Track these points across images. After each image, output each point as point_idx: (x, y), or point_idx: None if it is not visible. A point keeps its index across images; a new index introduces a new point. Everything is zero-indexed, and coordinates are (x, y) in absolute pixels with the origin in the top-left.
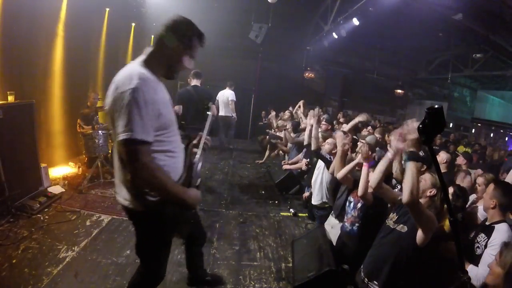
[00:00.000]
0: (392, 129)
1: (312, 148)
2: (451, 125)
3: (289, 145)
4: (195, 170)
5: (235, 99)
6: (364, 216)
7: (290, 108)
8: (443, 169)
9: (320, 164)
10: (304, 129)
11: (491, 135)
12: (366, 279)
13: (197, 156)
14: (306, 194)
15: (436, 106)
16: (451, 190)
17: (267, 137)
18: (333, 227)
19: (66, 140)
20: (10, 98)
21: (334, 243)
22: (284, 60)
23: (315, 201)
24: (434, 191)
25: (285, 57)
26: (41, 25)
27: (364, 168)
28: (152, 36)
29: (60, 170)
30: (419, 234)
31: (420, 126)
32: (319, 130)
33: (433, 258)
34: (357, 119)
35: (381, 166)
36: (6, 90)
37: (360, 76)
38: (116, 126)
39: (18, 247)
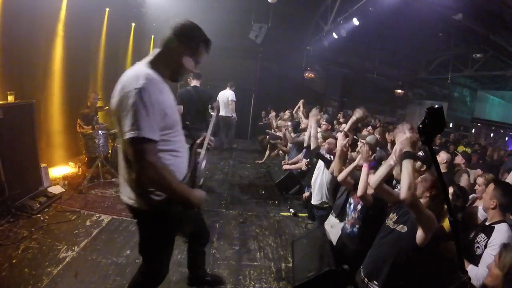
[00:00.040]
0: (392, 129)
1: (311, 147)
2: (451, 125)
3: (289, 145)
4: (199, 169)
5: (235, 99)
6: (364, 218)
7: (290, 109)
8: (443, 169)
9: (320, 164)
10: (304, 129)
11: (491, 135)
12: (366, 279)
13: (201, 156)
14: (306, 194)
15: (436, 106)
16: (451, 190)
17: (267, 137)
18: (333, 227)
19: (66, 140)
20: (10, 98)
21: (334, 243)
22: (284, 60)
23: (314, 201)
24: (434, 191)
25: (285, 57)
26: (41, 25)
27: (364, 169)
28: (152, 36)
29: (60, 170)
30: (419, 233)
31: (420, 126)
32: (319, 130)
33: (433, 258)
34: (354, 117)
35: (382, 170)
36: (6, 90)
37: (360, 76)
38: (123, 125)
39: (18, 247)
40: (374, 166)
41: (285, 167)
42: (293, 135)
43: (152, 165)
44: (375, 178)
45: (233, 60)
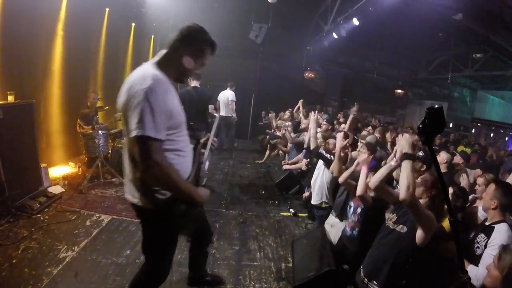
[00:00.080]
0: (392, 129)
1: (311, 147)
2: (451, 125)
3: (289, 145)
4: (202, 169)
5: (235, 100)
6: (364, 221)
7: (290, 108)
8: (443, 169)
9: (320, 164)
10: (304, 129)
11: (491, 135)
12: (366, 279)
13: (205, 156)
14: (306, 194)
15: (436, 106)
16: (451, 190)
17: (267, 137)
18: (333, 226)
19: (66, 140)
20: (10, 98)
21: (334, 242)
22: (284, 60)
23: (314, 201)
24: (434, 191)
25: (285, 57)
26: (41, 25)
27: (364, 170)
28: (152, 36)
29: (60, 170)
30: (419, 234)
31: (420, 126)
32: (319, 130)
33: (433, 258)
34: (351, 115)
35: (383, 170)
36: (6, 90)
37: (360, 76)
38: (129, 124)
39: (18, 247)
40: (375, 166)
41: (285, 167)
42: (293, 135)
43: (158, 164)
44: (375, 178)
45: (233, 60)
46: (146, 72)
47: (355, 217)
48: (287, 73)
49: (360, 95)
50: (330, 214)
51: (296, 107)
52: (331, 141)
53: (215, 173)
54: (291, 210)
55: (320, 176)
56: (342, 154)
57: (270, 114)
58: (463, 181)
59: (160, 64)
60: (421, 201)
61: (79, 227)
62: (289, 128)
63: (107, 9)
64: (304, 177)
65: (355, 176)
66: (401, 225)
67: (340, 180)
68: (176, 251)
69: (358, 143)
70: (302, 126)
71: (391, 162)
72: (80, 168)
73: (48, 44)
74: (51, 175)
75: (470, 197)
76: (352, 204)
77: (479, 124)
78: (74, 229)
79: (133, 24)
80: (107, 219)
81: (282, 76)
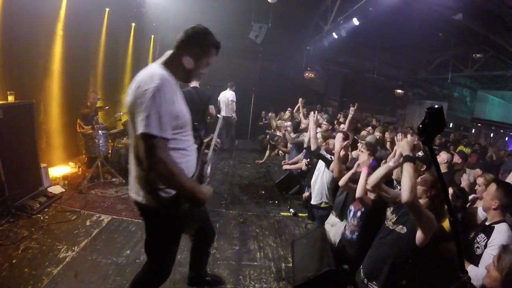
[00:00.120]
0: (392, 129)
1: (312, 148)
2: (451, 125)
3: (289, 145)
4: (206, 169)
5: (235, 100)
6: (363, 225)
7: (289, 109)
8: (443, 169)
9: (320, 165)
10: (304, 130)
11: (491, 135)
12: (365, 279)
13: (209, 156)
14: (306, 194)
15: (436, 106)
16: (450, 190)
17: (267, 136)
18: (333, 225)
19: (66, 140)
20: (10, 98)
21: (335, 241)
22: (284, 60)
23: (314, 201)
24: (434, 191)
25: (285, 57)
26: (41, 25)
27: (363, 172)
28: (152, 36)
29: (60, 170)
30: (419, 234)
31: (420, 126)
32: (319, 130)
33: (433, 258)
34: (350, 114)
35: (381, 170)
36: (6, 90)
37: (360, 76)
38: (136, 122)
39: (18, 247)
40: (375, 166)
41: (285, 167)
42: (292, 135)
43: (162, 161)
44: (373, 177)
45: (233, 60)
46: (154, 72)
47: (355, 221)
48: (287, 73)
49: (360, 95)
50: (331, 214)
51: (296, 107)
52: (331, 141)
53: (215, 173)
54: (291, 210)
55: (320, 176)
56: (341, 155)
57: (269, 114)
58: (464, 181)
59: (167, 65)
60: (421, 201)
61: (79, 227)
62: (288, 129)
63: (107, 9)
64: (304, 177)
65: (356, 178)
66: (400, 226)
67: (341, 183)
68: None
69: (358, 144)
70: (302, 126)
71: (390, 162)
72: (80, 168)
73: (48, 44)
74: (51, 175)
75: (471, 197)
76: (352, 208)
77: (479, 124)
78: (74, 229)
79: (133, 24)
80: (107, 219)
81: (282, 76)
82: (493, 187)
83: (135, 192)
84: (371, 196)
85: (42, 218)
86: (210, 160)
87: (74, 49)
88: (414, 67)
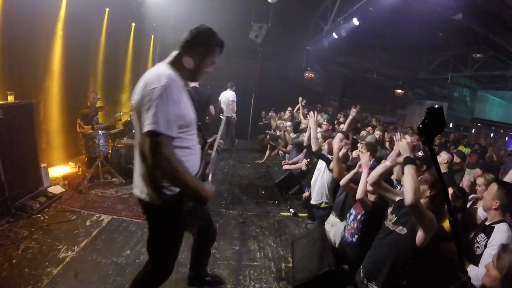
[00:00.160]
0: (392, 129)
1: (313, 149)
2: (451, 125)
3: (289, 145)
4: (209, 169)
5: (236, 100)
6: (363, 228)
7: (290, 109)
8: (443, 169)
9: (321, 165)
10: (304, 130)
11: (491, 135)
12: (365, 279)
13: (212, 156)
14: (306, 194)
15: (436, 106)
16: (450, 190)
17: (267, 136)
18: (333, 225)
19: (66, 140)
20: (10, 98)
21: (335, 241)
22: (284, 60)
23: (314, 201)
24: (433, 192)
25: (285, 57)
26: (41, 25)
27: (364, 172)
28: (152, 36)
29: (60, 170)
30: (419, 234)
31: (420, 126)
32: (319, 130)
33: (433, 258)
34: (351, 115)
35: (379, 169)
36: (6, 90)
37: (360, 76)
38: (143, 120)
39: (18, 247)
40: (375, 166)
41: (285, 167)
42: (292, 135)
43: (167, 158)
44: (372, 174)
45: (233, 60)
46: (161, 71)
47: (354, 224)
48: (287, 73)
49: (360, 95)
50: (331, 214)
51: (297, 107)
52: (330, 141)
53: (215, 173)
54: (291, 210)
55: (321, 177)
56: (341, 155)
57: (270, 114)
58: (465, 181)
59: (174, 65)
60: (421, 201)
61: (79, 227)
62: (288, 129)
63: (107, 9)
64: (304, 177)
65: (357, 178)
66: (400, 226)
67: (341, 183)
68: None
69: (358, 144)
70: (302, 126)
71: (387, 161)
72: (80, 168)
73: (48, 44)
74: (51, 175)
75: (471, 197)
76: (353, 211)
77: (479, 124)
78: (74, 229)
79: (133, 24)
80: (107, 219)
81: (282, 76)
82: (494, 187)
83: (139, 190)
84: (372, 197)
85: (42, 218)
86: (213, 160)
87: (74, 49)
88: (414, 67)
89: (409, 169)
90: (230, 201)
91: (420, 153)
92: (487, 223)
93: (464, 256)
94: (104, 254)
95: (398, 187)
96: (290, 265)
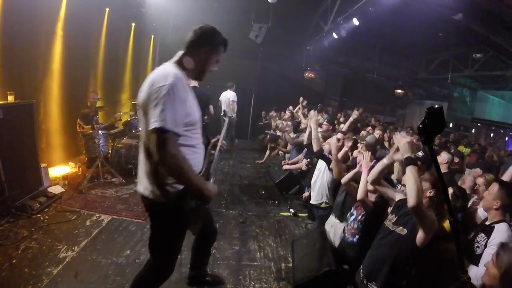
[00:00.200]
0: (392, 129)
1: (314, 149)
2: (451, 125)
3: (289, 145)
4: (212, 168)
5: (236, 100)
6: (364, 228)
7: (291, 107)
8: (444, 169)
9: (321, 165)
10: (304, 130)
11: (491, 135)
12: (365, 279)
13: (215, 156)
14: (306, 194)
15: (436, 106)
16: (450, 190)
17: (268, 136)
18: (333, 226)
19: (66, 140)
20: (10, 98)
21: (334, 242)
22: (284, 60)
23: (314, 200)
24: (433, 192)
25: (285, 57)
26: (41, 25)
27: (364, 172)
28: (152, 36)
29: (60, 170)
30: (420, 235)
31: (420, 126)
32: (320, 130)
33: (433, 258)
34: (352, 117)
35: (378, 167)
36: (6, 90)
37: (360, 76)
38: (149, 117)
39: (18, 247)
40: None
41: (285, 167)
42: (292, 135)
43: (172, 155)
44: (372, 173)
45: (233, 60)
46: (168, 70)
47: (355, 224)
48: (287, 73)
49: (360, 95)
50: (331, 215)
51: (297, 107)
52: (330, 141)
53: (215, 173)
54: (291, 210)
55: (321, 177)
56: (340, 156)
57: (270, 114)
58: (468, 182)
59: (180, 64)
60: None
61: (79, 227)
62: (288, 129)
63: (107, 9)
64: (304, 177)
65: (358, 177)
66: (401, 227)
67: (343, 181)
68: None
69: (358, 144)
70: (302, 126)
71: (384, 159)
72: (80, 168)
73: (48, 44)
74: (51, 175)
75: (473, 198)
76: (354, 212)
77: (479, 124)
78: (74, 229)
79: (133, 24)
80: (107, 219)
81: (282, 76)
82: (495, 187)
83: (143, 186)
84: (372, 197)
85: (42, 218)
86: (216, 160)
87: (74, 49)
88: (414, 67)
89: (411, 170)
90: (230, 201)
91: (420, 153)
92: (487, 223)
93: (464, 256)
94: (104, 254)
95: (399, 186)
96: (290, 265)
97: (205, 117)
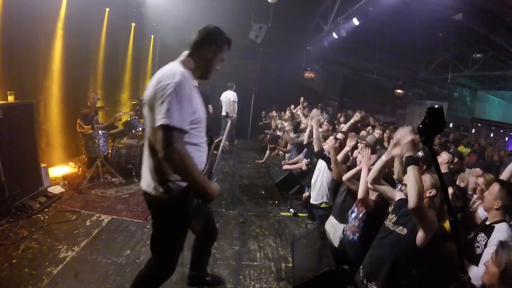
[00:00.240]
0: (392, 129)
1: (315, 149)
2: (451, 125)
3: (289, 145)
4: (215, 168)
5: (236, 100)
6: (365, 226)
7: (292, 107)
8: (444, 169)
9: (321, 165)
10: (304, 129)
11: (491, 135)
12: (365, 279)
13: (218, 156)
14: (306, 194)
15: (436, 106)
16: (450, 190)
17: (268, 136)
18: (332, 227)
19: (66, 140)
20: (10, 98)
21: (334, 242)
22: (284, 60)
23: (314, 200)
24: (433, 192)
25: (285, 57)
26: (41, 25)
27: (364, 172)
28: (152, 36)
29: (60, 170)
30: (420, 235)
31: (420, 126)
32: (320, 130)
33: (433, 258)
34: (353, 119)
35: (377, 165)
36: (6, 90)
37: (360, 76)
38: (156, 114)
39: (18, 247)
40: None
41: (285, 167)
42: (293, 135)
43: (177, 152)
44: (371, 172)
45: (233, 60)
46: (175, 69)
47: (356, 222)
48: (287, 73)
49: (360, 95)
50: (331, 215)
51: (297, 108)
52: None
53: (215, 173)
54: (291, 210)
55: (321, 176)
56: (340, 157)
57: (271, 114)
58: (470, 184)
59: (186, 63)
60: None
61: (79, 227)
62: (287, 129)
63: (107, 9)
64: (304, 177)
65: (359, 176)
66: (401, 227)
67: (344, 178)
68: None
69: (358, 144)
70: (302, 126)
71: (382, 156)
72: (80, 168)
73: (48, 44)
74: (51, 175)
75: (474, 198)
76: (355, 210)
77: (479, 124)
78: (74, 229)
79: (133, 24)
80: (107, 219)
81: (282, 76)
82: (496, 187)
83: (146, 183)
84: (373, 196)
85: (42, 218)
86: (218, 160)
87: (74, 49)
88: (414, 67)
89: (412, 170)
90: (230, 201)
91: (420, 153)
92: (487, 223)
93: (464, 256)
94: (104, 254)
95: (399, 186)
96: (290, 265)
97: None
